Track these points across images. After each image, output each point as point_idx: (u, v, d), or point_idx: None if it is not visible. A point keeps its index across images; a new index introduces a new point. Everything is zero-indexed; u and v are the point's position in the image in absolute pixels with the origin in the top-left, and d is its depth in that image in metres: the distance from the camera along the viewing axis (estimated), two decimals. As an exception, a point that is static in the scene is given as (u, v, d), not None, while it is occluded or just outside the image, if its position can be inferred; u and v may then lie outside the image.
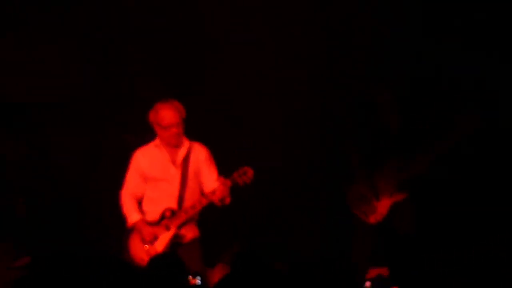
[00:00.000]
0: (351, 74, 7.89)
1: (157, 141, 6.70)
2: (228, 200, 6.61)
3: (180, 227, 6.58)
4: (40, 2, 7.83)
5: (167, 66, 7.95)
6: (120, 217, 6.77)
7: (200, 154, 6.73)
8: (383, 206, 7.18)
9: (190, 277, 5.52)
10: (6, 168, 7.49)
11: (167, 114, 6.56)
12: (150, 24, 7.94)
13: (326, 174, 7.94)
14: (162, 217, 6.61)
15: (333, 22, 7.93)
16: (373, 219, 7.18)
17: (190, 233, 6.69)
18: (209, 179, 6.71)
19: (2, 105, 7.84)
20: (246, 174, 6.60)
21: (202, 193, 6.70)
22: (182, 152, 6.67)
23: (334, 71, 7.98)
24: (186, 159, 6.66)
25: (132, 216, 6.68)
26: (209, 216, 6.76)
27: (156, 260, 5.46)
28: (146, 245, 6.59)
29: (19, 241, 7.25)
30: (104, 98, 8.02)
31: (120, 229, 6.77)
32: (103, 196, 7.53)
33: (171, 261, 5.37)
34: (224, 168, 6.75)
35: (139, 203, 6.74)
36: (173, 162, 6.66)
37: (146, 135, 6.78)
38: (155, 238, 6.58)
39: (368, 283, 6.60)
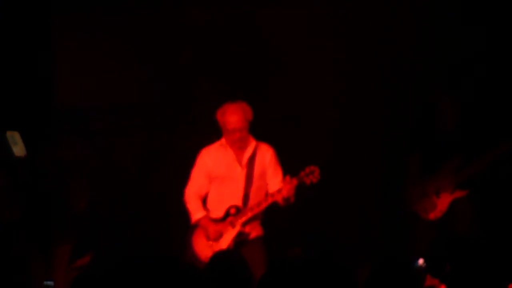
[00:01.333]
0: (412, 76, 7.94)
1: (222, 140, 6.69)
2: (292, 200, 6.55)
3: (244, 224, 6.58)
4: (105, 7, 7.90)
5: (231, 69, 7.98)
6: (182, 216, 6.81)
7: (266, 154, 6.71)
8: (443, 203, 7.19)
9: None
10: (70, 171, 7.61)
11: (233, 118, 6.54)
12: (215, 29, 8.00)
13: (385, 173, 7.99)
14: (227, 214, 6.61)
15: (394, 26, 7.97)
16: (432, 215, 7.19)
17: (254, 231, 6.69)
18: (274, 180, 6.68)
19: (68, 109, 7.96)
20: (313, 174, 6.53)
21: (267, 192, 6.68)
22: (248, 152, 6.66)
23: (394, 73, 8.02)
24: (251, 159, 6.65)
25: (196, 213, 6.69)
26: (273, 215, 6.76)
27: (219, 257, 5.52)
28: (209, 242, 6.61)
29: (82, 242, 7.39)
30: (168, 102, 8.07)
31: (182, 229, 6.82)
32: (166, 196, 7.62)
33: (234, 258, 5.35)
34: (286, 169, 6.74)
35: (204, 201, 6.77)
36: (239, 161, 6.65)
37: (211, 135, 6.82)
38: (220, 235, 6.60)
39: (421, 260, 6.67)
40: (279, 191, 6.55)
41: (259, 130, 6.78)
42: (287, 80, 7.96)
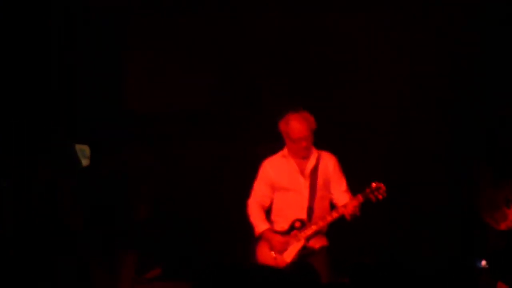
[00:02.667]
0: (484, 86, 7.80)
1: (285, 151, 6.62)
2: (358, 214, 6.45)
3: (309, 238, 6.51)
4: (176, 14, 7.98)
5: (297, 77, 7.98)
6: (247, 226, 6.75)
7: (329, 164, 6.62)
8: None
9: None
10: (136, 177, 7.69)
11: (297, 127, 6.45)
12: (281, 40, 8.01)
13: (456, 182, 7.86)
14: (292, 227, 6.54)
15: (467, 37, 7.84)
16: (504, 226, 7.09)
17: (318, 242, 6.60)
18: (338, 189, 6.61)
19: (135, 115, 8.06)
20: (379, 190, 6.44)
21: (333, 205, 6.61)
22: (310, 163, 6.57)
23: (465, 83, 7.89)
24: (314, 170, 6.55)
25: (260, 225, 6.63)
26: (338, 226, 6.67)
27: (292, 269, 5.54)
28: (273, 254, 6.55)
29: (146, 250, 7.45)
30: (235, 109, 8.09)
31: (246, 238, 6.77)
32: (230, 205, 7.59)
33: (306, 271, 5.44)
34: (351, 180, 6.70)
35: (267, 212, 6.71)
36: (302, 172, 6.56)
37: (275, 144, 6.76)
38: (284, 248, 6.51)
39: (484, 262, 6.57)
40: (344, 206, 6.48)
41: (324, 139, 6.70)
42: (353, 88, 7.92)
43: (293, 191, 6.60)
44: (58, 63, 7.63)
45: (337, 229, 6.73)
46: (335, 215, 6.52)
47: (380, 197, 6.46)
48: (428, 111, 7.95)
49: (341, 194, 6.62)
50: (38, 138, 7.30)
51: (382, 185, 6.47)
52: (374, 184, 6.48)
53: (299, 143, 6.50)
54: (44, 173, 7.11)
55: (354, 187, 6.67)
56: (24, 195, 7.05)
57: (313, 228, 6.53)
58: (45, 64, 7.58)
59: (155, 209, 7.85)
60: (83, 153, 7.02)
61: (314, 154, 6.62)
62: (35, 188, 7.07)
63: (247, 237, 6.78)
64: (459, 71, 7.87)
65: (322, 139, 6.67)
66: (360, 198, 6.47)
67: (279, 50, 8.05)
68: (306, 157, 6.59)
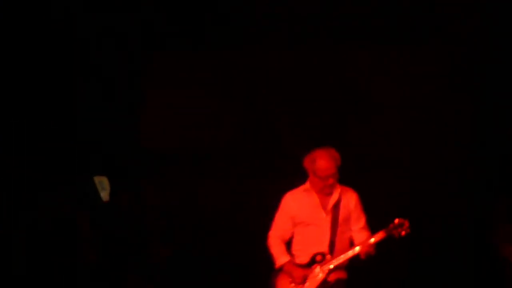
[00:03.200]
0: (503, 118, 7.80)
1: (307, 185, 6.63)
2: (372, 254, 6.44)
3: (330, 272, 6.50)
4: (193, 51, 8.03)
5: (313, 119, 8.01)
6: (268, 260, 6.74)
7: (351, 200, 6.63)
8: None
9: None
10: (156, 216, 7.66)
11: (325, 165, 6.46)
12: (298, 76, 8.03)
13: (474, 217, 7.87)
14: (313, 261, 6.53)
15: (479, 71, 7.86)
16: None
17: (337, 275, 6.58)
18: (357, 226, 6.62)
19: (153, 152, 8.08)
20: (403, 227, 6.43)
21: (352, 241, 6.61)
22: (333, 198, 6.58)
23: (483, 113, 7.89)
24: (337, 205, 6.57)
25: (280, 257, 6.61)
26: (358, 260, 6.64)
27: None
28: (293, 286, 6.53)
29: (164, 285, 7.40)
30: (250, 150, 8.09)
31: (267, 272, 6.76)
32: (247, 242, 7.60)
33: None
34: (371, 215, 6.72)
35: (288, 245, 6.69)
36: (324, 207, 6.57)
37: (294, 180, 6.76)
38: (304, 281, 6.52)
39: None
40: (361, 245, 6.46)
41: (345, 173, 6.67)
42: (371, 123, 7.93)
43: (314, 225, 6.60)
44: (78, 96, 7.62)
45: (356, 262, 6.67)
46: (351, 254, 6.51)
47: (403, 233, 6.45)
48: (446, 144, 7.93)
49: (359, 232, 6.63)
50: (56, 172, 7.27)
51: (406, 221, 6.45)
52: (397, 220, 6.46)
53: (326, 180, 6.51)
54: (64, 206, 7.09)
55: (372, 221, 6.67)
56: (43, 229, 7.03)
57: (334, 262, 6.52)
58: (66, 96, 7.57)
59: (173, 247, 7.82)
60: (102, 185, 7.00)
61: (337, 189, 6.63)
62: (54, 221, 7.04)
63: (266, 272, 6.76)
64: (479, 101, 7.85)
65: (342, 173, 6.64)
66: (383, 234, 6.46)
67: (297, 86, 8.06)
68: (330, 193, 6.60)
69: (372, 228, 6.62)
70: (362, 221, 6.66)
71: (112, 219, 7.23)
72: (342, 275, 6.64)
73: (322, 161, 6.49)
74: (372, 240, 6.44)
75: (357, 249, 6.47)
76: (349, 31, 7.94)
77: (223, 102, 8.10)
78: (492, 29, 7.78)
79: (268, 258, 6.76)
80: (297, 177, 6.76)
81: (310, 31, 7.94)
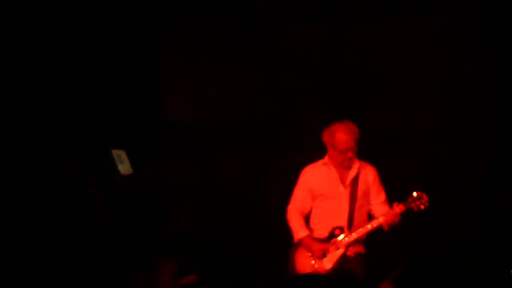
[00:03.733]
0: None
1: (326, 159, 6.62)
2: (397, 225, 6.45)
3: (349, 246, 6.50)
4: (215, 26, 7.97)
5: (335, 87, 7.93)
6: (286, 233, 6.75)
7: (369, 175, 6.63)
8: None
9: None
10: (173, 187, 7.66)
11: (344, 138, 6.45)
12: (318, 51, 7.98)
13: (492, 190, 7.82)
14: (332, 235, 6.53)
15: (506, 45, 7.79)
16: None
17: (356, 249, 6.59)
18: (377, 200, 6.61)
19: (175, 125, 8.04)
20: (421, 200, 6.43)
21: (372, 215, 6.61)
22: (352, 173, 6.57)
23: (500, 95, 7.82)
24: (355, 179, 6.56)
25: (299, 231, 6.62)
26: (378, 233, 6.62)
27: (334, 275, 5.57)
28: (313, 261, 6.54)
29: (185, 256, 7.41)
30: (273, 119, 8.05)
31: (285, 245, 6.76)
32: (268, 214, 7.56)
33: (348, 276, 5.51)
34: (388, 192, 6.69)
35: (306, 219, 6.70)
36: (342, 181, 6.57)
37: (312, 153, 6.76)
38: (323, 255, 6.53)
39: None
40: (385, 215, 6.46)
41: (364, 149, 6.67)
42: (391, 99, 7.87)
43: (333, 199, 6.60)
44: (99, 73, 7.60)
45: (374, 237, 6.68)
46: (375, 224, 6.51)
47: (422, 207, 6.45)
48: (467, 120, 7.88)
49: (380, 206, 6.62)
50: (69, 142, 7.27)
51: (424, 194, 6.46)
52: (415, 194, 6.47)
53: (345, 154, 6.50)
54: (75, 176, 7.09)
55: (392, 198, 6.64)
56: (55, 198, 7.03)
57: (354, 236, 6.52)
58: (86, 74, 7.54)
59: (194, 218, 7.81)
60: (120, 158, 6.97)
61: (356, 164, 6.61)
62: (65, 190, 7.04)
63: (287, 244, 6.75)
64: (498, 77, 7.79)
65: (361, 149, 6.64)
66: (402, 207, 6.45)
67: (317, 60, 8.01)
68: (349, 167, 6.58)
69: (391, 201, 6.59)
70: (382, 196, 6.65)
71: (133, 190, 7.23)
72: (360, 249, 6.64)
73: (341, 134, 6.48)
74: (394, 211, 6.43)
75: (381, 219, 6.46)
76: (368, 6, 7.89)
77: (245, 76, 8.05)
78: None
79: (286, 232, 6.76)
80: (315, 152, 6.74)
81: (329, 5, 7.89)
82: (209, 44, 8.05)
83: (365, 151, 6.70)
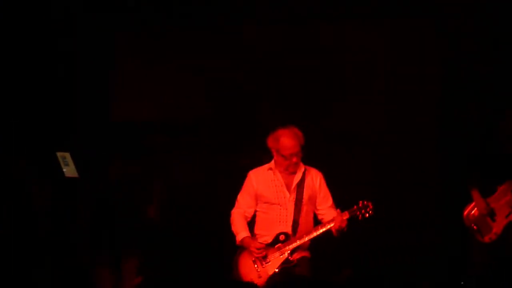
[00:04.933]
0: (473, 96, 7.77)
1: (272, 164, 6.55)
2: (345, 230, 6.40)
3: (293, 252, 6.45)
4: (166, 24, 7.93)
5: (290, 89, 7.94)
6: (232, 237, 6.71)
7: (315, 179, 6.57)
8: (498, 226, 7.06)
9: None
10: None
11: (288, 143, 6.39)
12: (271, 51, 7.97)
13: (441, 194, 7.82)
14: (276, 240, 6.48)
15: (456, 47, 7.80)
16: (487, 238, 7.06)
17: (300, 254, 6.55)
18: (324, 205, 6.57)
19: (123, 125, 8.00)
20: (366, 209, 6.41)
21: (320, 220, 6.57)
22: (297, 177, 6.50)
23: (455, 92, 7.86)
24: (300, 184, 6.49)
25: (240, 233, 6.56)
26: (322, 238, 6.60)
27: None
28: (255, 265, 6.49)
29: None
30: (225, 120, 8.04)
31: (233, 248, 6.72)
32: (217, 216, 7.59)
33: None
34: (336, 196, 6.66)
35: (250, 225, 6.64)
36: (288, 187, 6.49)
37: (263, 158, 6.70)
38: (267, 260, 6.47)
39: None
40: (330, 222, 6.43)
41: (313, 151, 6.67)
42: (343, 101, 7.89)
43: (277, 204, 6.54)
44: (45, 73, 7.53)
45: (320, 241, 6.66)
46: (320, 229, 6.47)
47: (367, 215, 6.44)
48: (418, 122, 7.91)
49: (327, 210, 6.58)
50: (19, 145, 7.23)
51: (370, 203, 6.44)
52: (361, 202, 6.45)
53: (290, 159, 6.44)
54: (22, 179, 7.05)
55: (342, 201, 6.64)
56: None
57: (297, 242, 6.48)
58: (31, 75, 7.47)
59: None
60: (65, 160, 6.91)
61: (301, 168, 6.55)
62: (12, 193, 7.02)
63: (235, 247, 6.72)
64: (449, 80, 7.82)
65: (310, 151, 6.62)
66: (346, 214, 6.43)
67: (269, 62, 8.00)
68: (294, 172, 6.52)
69: (340, 204, 6.60)
70: (329, 200, 6.62)
71: (77, 194, 7.19)
72: (305, 254, 6.59)
73: (286, 140, 6.42)
74: (336, 219, 6.41)
75: (328, 225, 6.43)
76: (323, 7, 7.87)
77: (196, 75, 8.02)
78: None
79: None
80: (268, 154, 6.70)
81: (283, 7, 7.85)
82: (158, 43, 8.00)
83: (314, 152, 6.67)
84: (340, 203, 6.61)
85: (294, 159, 6.43)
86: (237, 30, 7.98)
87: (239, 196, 6.69)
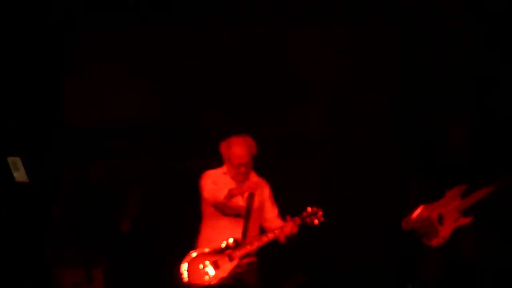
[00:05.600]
0: (422, 101, 7.86)
1: (225, 169, 6.57)
2: (294, 238, 6.45)
3: (242, 258, 6.46)
4: (116, 29, 7.93)
5: (240, 93, 7.97)
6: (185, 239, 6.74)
7: (264, 190, 6.61)
8: (446, 230, 7.12)
9: None
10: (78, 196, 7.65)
11: (239, 153, 6.40)
12: (220, 54, 7.99)
13: (388, 199, 7.91)
14: (226, 246, 6.48)
15: (408, 55, 7.88)
16: (435, 242, 7.14)
17: (249, 259, 6.57)
18: (271, 215, 6.64)
19: (76, 130, 8.02)
20: (316, 215, 6.46)
21: (264, 228, 6.61)
22: (250, 187, 6.48)
23: (404, 98, 7.94)
24: (251, 195, 6.52)
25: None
26: (273, 244, 6.63)
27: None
28: (206, 271, 6.48)
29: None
30: (176, 124, 8.05)
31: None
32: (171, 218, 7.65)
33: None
34: (284, 204, 6.71)
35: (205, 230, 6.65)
36: (241, 193, 6.50)
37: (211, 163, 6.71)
38: (216, 266, 6.48)
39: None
40: (281, 229, 6.46)
41: (262, 159, 6.67)
42: (294, 104, 7.94)
43: (230, 210, 6.54)
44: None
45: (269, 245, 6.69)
46: (271, 236, 6.49)
47: (317, 222, 6.48)
48: (369, 127, 7.97)
49: (273, 220, 6.64)
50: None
51: (319, 210, 6.49)
52: (309, 209, 6.50)
53: (238, 168, 6.46)
54: None
55: (292, 207, 6.68)
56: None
57: (248, 248, 6.50)
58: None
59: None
60: (15, 165, 6.89)
61: (253, 178, 6.59)
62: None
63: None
64: (401, 84, 7.88)
65: (259, 157, 6.63)
66: (296, 220, 6.46)
67: (220, 64, 8.00)
68: (243, 182, 6.52)
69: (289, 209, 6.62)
70: (275, 211, 6.67)
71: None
72: (253, 258, 6.62)
73: (237, 149, 6.43)
74: (285, 226, 6.46)
75: (276, 232, 6.46)
76: (278, 11, 7.91)
77: (147, 79, 8.04)
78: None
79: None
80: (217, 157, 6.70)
81: (234, 12, 7.86)
82: (112, 48, 7.99)
83: (262, 158, 6.68)
84: (290, 209, 6.62)
85: (243, 169, 6.45)
86: (188, 36, 7.98)
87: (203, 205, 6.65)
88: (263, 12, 7.89)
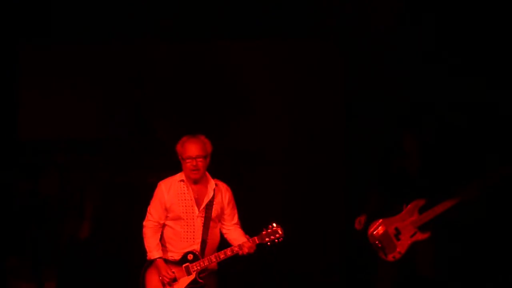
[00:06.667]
0: (376, 115, 7.89)
1: (182, 175, 6.45)
2: (252, 252, 6.37)
3: (200, 273, 6.37)
4: (69, 41, 7.85)
5: (192, 105, 7.93)
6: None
7: (224, 196, 6.48)
8: (402, 245, 7.12)
9: None
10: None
11: (191, 147, 6.34)
12: (172, 67, 7.99)
13: (348, 210, 7.88)
14: (184, 259, 6.37)
15: (358, 66, 7.91)
16: (391, 257, 7.13)
17: (207, 271, 6.46)
18: (230, 222, 6.52)
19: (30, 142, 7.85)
20: (276, 235, 6.37)
21: (224, 234, 6.54)
22: (208, 195, 6.42)
23: (357, 111, 7.95)
24: (210, 203, 6.41)
25: (153, 251, 6.42)
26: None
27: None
28: (163, 284, 6.38)
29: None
30: (130, 136, 7.99)
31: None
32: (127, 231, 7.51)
33: None
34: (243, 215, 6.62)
35: (162, 238, 6.52)
36: (197, 203, 6.40)
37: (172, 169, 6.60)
38: (174, 279, 6.37)
39: None
40: (240, 247, 6.36)
41: (220, 168, 6.63)
42: (248, 118, 7.91)
43: (186, 220, 6.42)
44: None
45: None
46: (229, 253, 6.38)
47: (276, 241, 6.38)
48: (321, 141, 7.97)
49: (232, 226, 6.53)
50: None
51: (279, 228, 6.40)
52: (270, 226, 6.40)
53: (190, 162, 6.35)
54: None
55: (248, 220, 6.60)
56: None
57: (206, 263, 6.39)
58: None
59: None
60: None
61: (212, 185, 6.47)
62: None
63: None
64: (353, 99, 7.90)
65: (217, 168, 6.55)
66: (255, 240, 6.38)
67: (170, 77, 8.02)
68: (197, 182, 6.42)
69: (250, 227, 6.54)
70: (235, 217, 6.54)
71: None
72: (213, 266, 6.50)
73: (189, 144, 6.37)
74: (244, 245, 6.39)
75: (236, 248, 6.38)
76: (224, 26, 7.88)
77: (101, 91, 8.02)
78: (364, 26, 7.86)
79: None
80: (171, 171, 6.60)
81: (187, 26, 7.81)
82: (64, 62, 7.95)
83: (221, 170, 6.63)
84: (247, 222, 6.53)
85: (193, 162, 6.35)
86: (137, 49, 7.99)
87: (150, 208, 6.51)
88: (205, 27, 7.88)
